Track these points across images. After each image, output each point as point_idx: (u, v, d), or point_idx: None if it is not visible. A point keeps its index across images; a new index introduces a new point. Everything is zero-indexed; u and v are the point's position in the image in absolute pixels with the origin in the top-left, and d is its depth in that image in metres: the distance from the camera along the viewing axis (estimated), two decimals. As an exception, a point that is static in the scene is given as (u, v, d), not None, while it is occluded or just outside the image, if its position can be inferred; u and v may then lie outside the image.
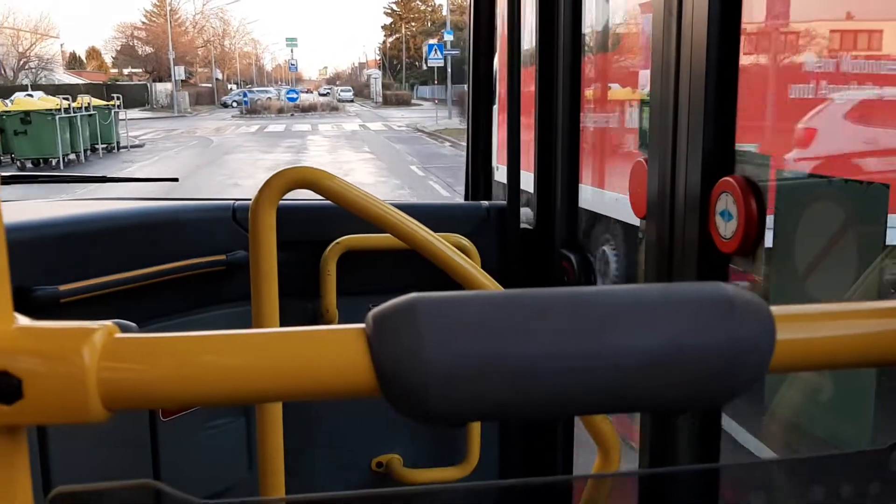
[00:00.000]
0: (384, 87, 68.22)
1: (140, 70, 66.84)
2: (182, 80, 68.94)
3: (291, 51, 44.04)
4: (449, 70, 32.78)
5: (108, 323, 0.38)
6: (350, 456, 2.11)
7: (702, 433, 1.36)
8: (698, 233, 1.28)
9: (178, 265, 1.82)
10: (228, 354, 0.39)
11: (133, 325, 0.48)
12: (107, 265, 1.70)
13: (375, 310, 0.40)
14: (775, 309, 0.42)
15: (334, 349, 0.39)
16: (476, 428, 2.06)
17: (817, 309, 0.46)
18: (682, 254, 1.32)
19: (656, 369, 0.40)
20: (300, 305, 1.90)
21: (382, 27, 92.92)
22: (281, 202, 1.39)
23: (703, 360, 0.40)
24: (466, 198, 2.36)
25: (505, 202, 2.09)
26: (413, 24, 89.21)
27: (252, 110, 42.55)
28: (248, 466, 1.95)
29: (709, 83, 1.22)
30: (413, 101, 59.98)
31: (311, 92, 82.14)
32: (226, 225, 1.91)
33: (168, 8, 56.94)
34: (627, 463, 1.75)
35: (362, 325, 0.40)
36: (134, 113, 49.62)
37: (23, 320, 0.38)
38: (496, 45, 2.38)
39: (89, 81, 57.27)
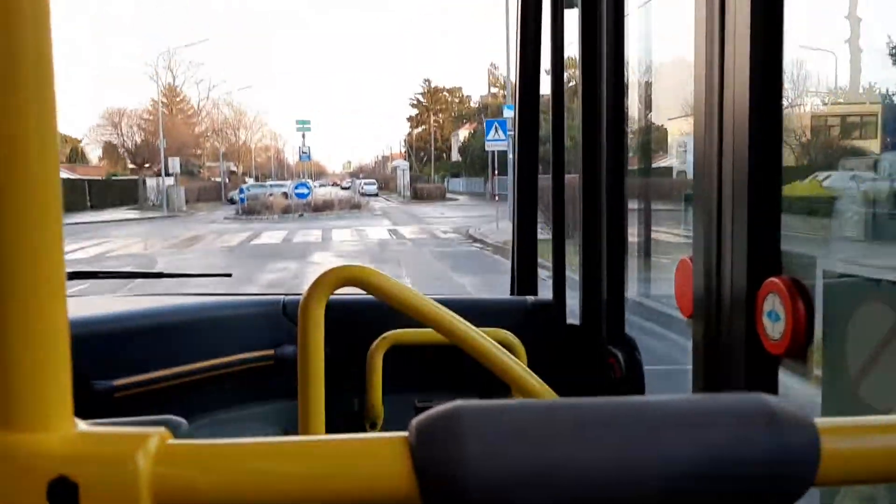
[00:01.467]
0: (412, 179, 60.35)
1: (148, 163, 59.30)
2: (188, 173, 62.21)
3: (303, 136, 35.74)
4: (510, 157, 23.68)
5: (162, 429, 0.40)
6: None
7: None
8: (745, 334, 1.28)
9: (228, 360, 1.90)
10: (274, 461, 0.40)
11: (183, 421, 0.50)
12: (160, 360, 1.79)
13: (419, 417, 0.41)
14: (820, 421, 0.42)
15: (377, 457, 0.40)
16: None
17: (864, 421, 0.46)
18: (730, 355, 1.33)
19: (699, 482, 0.40)
20: (347, 400, 1.90)
21: (408, 118, 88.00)
22: (330, 297, 1.37)
23: (746, 473, 0.40)
24: (512, 292, 2.35)
25: (551, 297, 2.12)
26: (440, 114, 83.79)
27: (249, 210, 33.23)
28: None
29: (752, 182, 1.23)
30: (446, 196, 51.60)
31: (336, 184, 75.27)
32: (275, 319, 1.99)
33: (158, 87, 49.41)
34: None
35: (405, 434, 0.40)
36: (119, 213, 42.22)
37: (81, 425, 0.39)
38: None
39: (76, 177, 49.61)
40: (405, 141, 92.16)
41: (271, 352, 1.94)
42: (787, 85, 1.35)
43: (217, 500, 0.39)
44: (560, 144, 2.09)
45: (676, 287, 1.54)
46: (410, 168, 66.11)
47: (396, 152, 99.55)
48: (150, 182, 50.50)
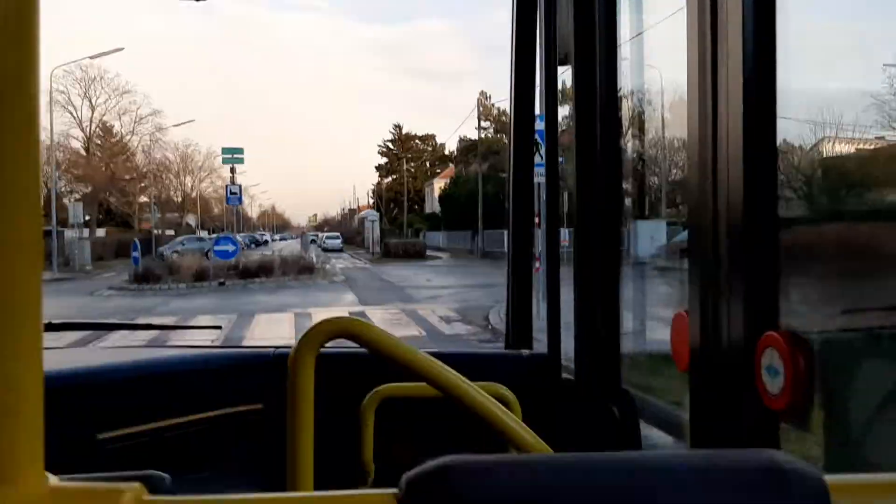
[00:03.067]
0: (383, 233, 50.72)
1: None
2: (124, 224, 52.03)
3: (232, 170, 25.80)
4: (541, 195, 14.21)
5: (136, 485, 0.38)
6: None
7: None
8: (744, 389, 1.27)
9: (216, 414, 1.89)
10: None
11: (166, 476, 0.51)
12: (145, 412, 1.80)
13: (409, 473, 0.40)
14: (829, 478, 0.41)
15: None
16: None
17: (874, 479, 0.44)
18: (729, 410, 1.32)
19: None
20: (336, 455, 1.87)
21: (377, 167, 79.58)
22: (321, 350, 1.34)
23: None
24: (507, 346, 2.31)
25: (546, 350, 2.11)
26: (412, 163, 75.64)
27: (145, 276, 22.31)
28: None
29: (747, 233, 1.23)
30: (426, 253, 41.96)
31: (296, 237, 65.49)
32: (264, 373, 1.98)
33: (52, 112, 39.18)
34: None
35: (395, 490, 0.39)
36: None
37: (53, 480, 0.38)
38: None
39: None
40: (373, 191, 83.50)
41: (259, 406, 1.94)
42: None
43: None
44: (555, 196, 2.12)
45: (672, 340, 1.52)
46: (381, 220, 56.72)
47: (364, 204, 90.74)
48: (70, 234, 40.61)
